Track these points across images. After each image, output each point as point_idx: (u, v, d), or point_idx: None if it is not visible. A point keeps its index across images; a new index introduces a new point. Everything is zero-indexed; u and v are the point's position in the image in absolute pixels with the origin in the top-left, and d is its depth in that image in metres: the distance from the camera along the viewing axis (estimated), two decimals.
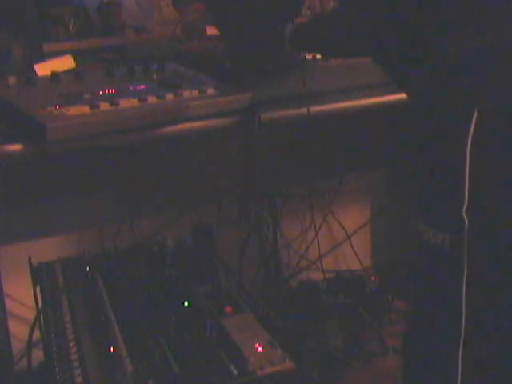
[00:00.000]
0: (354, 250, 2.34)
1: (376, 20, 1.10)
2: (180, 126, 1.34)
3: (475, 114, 0.93)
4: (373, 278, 2.21)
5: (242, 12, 1.37)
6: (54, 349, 1.22)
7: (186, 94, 1.37)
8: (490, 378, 1.02)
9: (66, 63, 1.59)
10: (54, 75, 1.46)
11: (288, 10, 1.41)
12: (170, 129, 1.33)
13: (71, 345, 1.22)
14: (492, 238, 0.97)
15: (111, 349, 1.20)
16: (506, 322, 1.00)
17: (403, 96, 1.51)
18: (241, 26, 1.41)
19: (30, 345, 1.49)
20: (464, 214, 0.95)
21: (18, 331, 1.70)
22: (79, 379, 1.12)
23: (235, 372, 1.12)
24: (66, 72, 1.53)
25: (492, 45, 0.95)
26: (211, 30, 1.88)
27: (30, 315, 1.56)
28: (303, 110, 1.43)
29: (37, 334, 1.45)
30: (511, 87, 0.94)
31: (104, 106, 1.29)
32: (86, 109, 1.27)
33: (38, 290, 1.47)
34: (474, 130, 0.93)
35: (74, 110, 1.26)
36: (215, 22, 1.57)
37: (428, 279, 1.06)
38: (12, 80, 1.45)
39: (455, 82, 0.97)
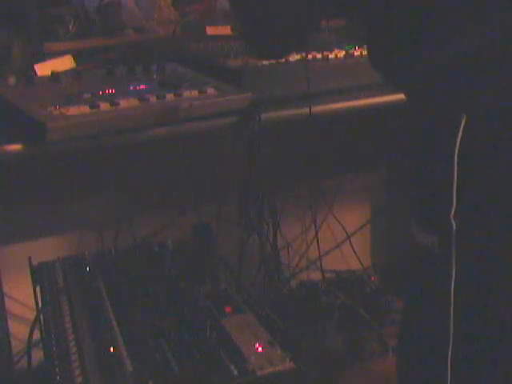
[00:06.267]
0: (354, 250, 2.34)
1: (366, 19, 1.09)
2: (180, 126, 1.34)
3: (463, 120, 0.93)
4: (373, 278, 2.21)
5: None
6: (54, 349, 1.22)
7: (186, 94, 1.37)
8: (479, 379, 1.02)
9: (66, 63, 1.59)
10: (54, 75, 1.47)
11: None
12: (169, 129, 1.33)
13: (71, 345, 1.22)
14: (479, 243, 0.98)
15: (111, 349, 1.20)
16: (493, 325, 1.00)
17: (403, 96, 1.52)
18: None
19: (30, 345, 1.48)
20: (451, 218, 0.96)
21: (18, 331, 1.70)
22: (79, 379, 1.12)
23: (235, 372, 1.12)
24: (66, 72, 1.53)
25: (480, 49, 0.94)
26: (211, 30, 1.88)
27: (30, 315, 1.56)
28: (304, 110, 1.43)
29: (37, 334, 1.45)
30: (499, 92, 0.94)
31: (104, 106, 1.29)
32: (86, 109, 1.27)
33: (38, 289, 1.47)
34: (463, 135, 0.93)
35: (74, 110, 1.26)
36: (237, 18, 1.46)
37: (419, 280, 1.07)
38: (12, 80, 1.45)
39: (443, 88, 0.97)
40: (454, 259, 0.97)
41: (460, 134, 0.93)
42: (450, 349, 1.00)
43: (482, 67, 0.94)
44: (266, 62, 1.52)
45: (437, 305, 1.02)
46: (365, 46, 1.16)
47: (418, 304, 1.08)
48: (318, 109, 1.45)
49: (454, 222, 0.95)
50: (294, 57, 1.55)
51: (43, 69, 1.53)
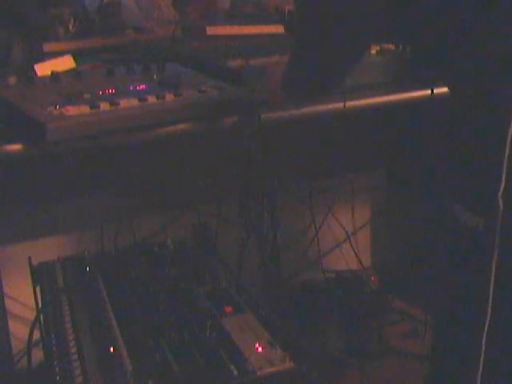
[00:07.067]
0: (354, 250, 2.34)
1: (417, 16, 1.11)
2: (180, 126, 1.34)
3: None
4: (373, 278, 2.21)
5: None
6: (54, 349, 1.22)
7: (186, 93, 1.37)
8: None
9: (66, 63, 1.59)
10: (54, 75, 1.46)
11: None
12: (169, 129, 1.33)
13: (71, 345, 1.22)
14: None
15: (111, 349, 1.20)
16: None
17: (403, 96, 1.52)
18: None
19: (30, 345, 1.48)
20: (499, 198, 0.98)
21: (18, 331, 1.70)
22: (79, 379, 1.12)
23: (235, 372, 1.12)
24: (66, 72, 1.53)
25: None
26: (211, 30, 1.88)
27: (30, 315, 1.56)
28: (304, 110, 1.43)
29: (37, 334, 1.45)
30: None
31: (104, 106, 1.28)
32: (86, 109, 1.27)
33: (38, 290, 1.47)
34: None
35: (74, 110, 1.26)
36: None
37: (460, 261, 1.09)
38: (12, 80, 1.45)
39: (495, 78, 1.00)
40: (497, 240, 0.99)
41: None
42: (486, 330, 1.02)
43: None
44: (266, 62, 1.52)
45: (476, 287, 1.03)
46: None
47: (456, 287, 1.09)
48: (317, 109, 1.45)
49: (501, 203, 0.98)
50: None
51: (43, 69, 1.53)
